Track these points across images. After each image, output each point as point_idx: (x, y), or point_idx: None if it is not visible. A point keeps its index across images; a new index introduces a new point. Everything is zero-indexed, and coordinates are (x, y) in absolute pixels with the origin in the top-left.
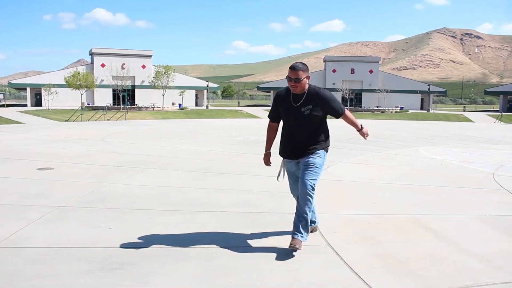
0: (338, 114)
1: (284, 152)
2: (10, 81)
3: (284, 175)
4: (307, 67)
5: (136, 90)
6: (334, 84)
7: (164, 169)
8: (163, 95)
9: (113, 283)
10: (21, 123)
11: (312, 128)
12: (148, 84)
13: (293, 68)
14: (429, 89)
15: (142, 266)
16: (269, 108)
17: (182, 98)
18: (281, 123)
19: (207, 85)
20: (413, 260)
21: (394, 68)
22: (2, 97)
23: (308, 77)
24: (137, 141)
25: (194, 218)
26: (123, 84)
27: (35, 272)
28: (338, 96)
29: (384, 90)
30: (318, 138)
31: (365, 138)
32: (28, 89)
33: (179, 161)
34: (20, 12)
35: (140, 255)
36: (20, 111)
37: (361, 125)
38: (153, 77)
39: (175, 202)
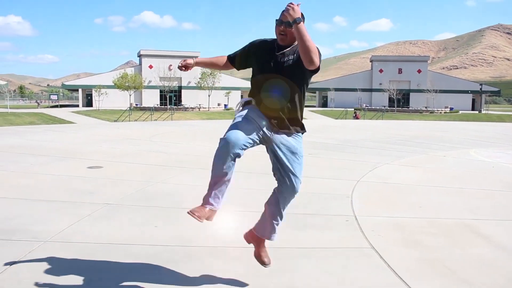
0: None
1: (266, 107)
2: (64, 83)
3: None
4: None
5: (183, 91)
6: (380, 84)
7: (209, 169)
8: (209, 95)
9: (158, 280)
10: (73, 123)
11: (295, 92)
12: (195, 85)
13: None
14: (481, 88)
15: (187, 265)
16: (313, 108)
17: (228, 98)
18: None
19: None
20: (461, 266)
21: (443, 68)
22: (56, 98)
23: None
24: (183, 141)
25: (238, 218)
26: (170, 85)
27: (86, 266)
28: (385, 97)
29: (433, 90)
30: (302, 113)
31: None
32: (80, 90)
33: None
34: (73, 17)
35: (185, 253)
36: (72, 112)
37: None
38: (199, 78)
39: None
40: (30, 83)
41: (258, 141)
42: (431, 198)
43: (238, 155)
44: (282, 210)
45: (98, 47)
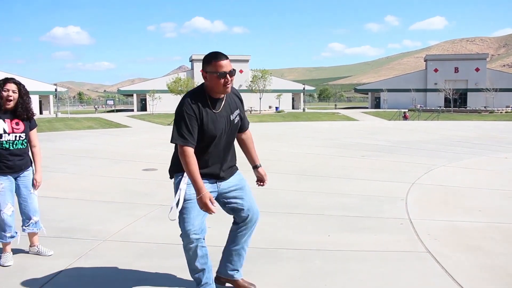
0: (246, 126)
1: (212, 170)
2: (119, 88)
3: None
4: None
5: None
6: (436, 84)
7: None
8: (260, 98)
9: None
10: (128, 127)
11: (233, 142)
12: (246, 88)
13: (223, 58)
14: None
15: None
16: (365, 110)
17: (279, 101)
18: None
19: (304, 88)
20: None
21: (504, 65)
22: (112, 103)
23: None
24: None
25: (290, 220)
26: None
27: (141, 264)
28: (441, 97)
29: (493, 89)
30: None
31: (262, 183)
32: (134, 95)
33: (275, 163)
34: (127, 25)
35: None
36: (128, 116)
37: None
38: (251, 81)
39: (271, 204)
40: (88, 89)
41: None
42: (492, 202)
43: (204, 236)
44: (246, 246)
45: (151, 53)
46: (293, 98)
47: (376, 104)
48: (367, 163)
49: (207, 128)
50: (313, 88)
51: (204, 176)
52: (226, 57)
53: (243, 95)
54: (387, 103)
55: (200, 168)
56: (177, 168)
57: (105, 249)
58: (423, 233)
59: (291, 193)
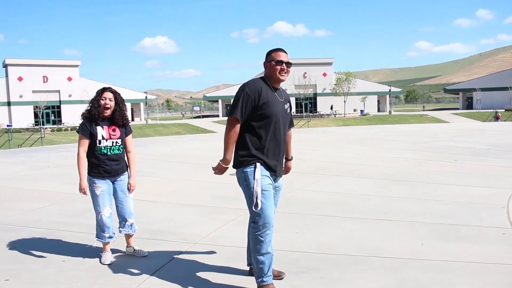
0: (291, 124)
1: (274, 162)
2: (205, 95)
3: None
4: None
5: (318, 98)
6: None
7: (347, 175)
8: (344, 101)
9: (299, 285)
10: (214, 132)
11: (285, 137)
12: (330, 91)
13: (281, 50)
14: None
15: (328, 272)
16: (456, 111)
17: (364, 104)
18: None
19: (389, 90)
20: None
21: None
22: (198, 109)
23: None
24: (320, 148)
25: (379, 227)
26: (305, 92)
27: (231, 268)
28: None
29: None
30: None
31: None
32: (219, 101)
33: (362, 167)
34: (212, 33)
35: (326, 261)
36: (213, 121)
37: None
38: (334, 84)
39: (359, 210)
40: (175, 96)
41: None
42: None
43: None
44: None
45: (235, 59)
46: (378, 101)
47: (468, 105)
48: (460, 168)
49: (267, 106)
50: (399, 89)
51: (267, 168)
52: (284, 51)
53: (327, 98)
54: (480, 103)
55: (266, 158)
56: (247, 161)
57: (196, 252)
58: None
59: (379, 198)
